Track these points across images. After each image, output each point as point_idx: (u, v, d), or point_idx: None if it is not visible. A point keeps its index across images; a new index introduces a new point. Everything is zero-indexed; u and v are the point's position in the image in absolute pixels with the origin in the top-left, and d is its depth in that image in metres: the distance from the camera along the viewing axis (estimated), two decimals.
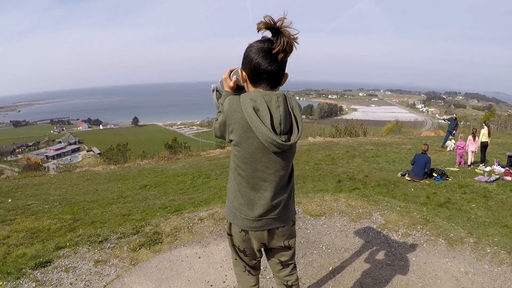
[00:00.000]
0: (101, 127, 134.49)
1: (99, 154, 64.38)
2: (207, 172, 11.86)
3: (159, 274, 3.86)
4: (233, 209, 2.02)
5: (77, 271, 4.02)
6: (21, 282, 3.80)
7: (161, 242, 4.81)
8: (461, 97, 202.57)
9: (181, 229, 5.26)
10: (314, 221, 5.25)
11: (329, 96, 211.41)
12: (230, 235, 2.14)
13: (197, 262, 4.14)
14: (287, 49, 1.73)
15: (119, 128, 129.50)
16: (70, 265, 4.17)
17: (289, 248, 2.16)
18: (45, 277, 3.88)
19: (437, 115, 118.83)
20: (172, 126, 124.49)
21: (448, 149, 13.82)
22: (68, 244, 4.78)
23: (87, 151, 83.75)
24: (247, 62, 1.81)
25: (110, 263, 4.17)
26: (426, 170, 8.45)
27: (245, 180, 1.91)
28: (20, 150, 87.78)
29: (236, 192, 1.98)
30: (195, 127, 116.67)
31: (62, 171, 19.68)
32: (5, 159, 70.42)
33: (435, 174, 8.46)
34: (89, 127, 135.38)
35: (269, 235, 2.04)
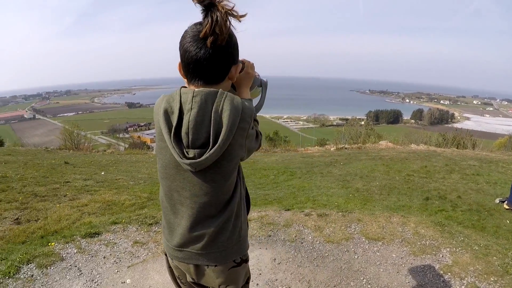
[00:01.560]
0: None
1: None
2: (294, 169, 11.63)
3: None
4: (162, 229, 1.66)
5: (115, 247, 4.27)
6: (67, 246, 4.24)
7: None
8: None
9: None
10: (368, 246, 4.51)
11: (441, 102, 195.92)
12: (165, 254, 1.72)
13: None
14: (217, 30, 1.24)
15: None
16: (113, 240, 4.44)
17: None
18: (87, 246, 4.22)
19: None
20: (278, 119, 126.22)
21: None
22: (123, 220, 5.01)
23: None
24: (179, 51, 1.38)
25: (146, 247, 4.36)
26: None
27: (165, 199, 1.52)
28: (132, 129, 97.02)
29: (162, 211, 1.61)
30: (301, 122, 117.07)
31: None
32: (118, 135, 78.28)
33: None
34: None
35: (196, 272, 1.56)
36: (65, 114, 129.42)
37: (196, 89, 1.32)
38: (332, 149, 18.23)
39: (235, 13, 1.26)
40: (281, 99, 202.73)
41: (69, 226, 4.94)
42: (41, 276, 3.67)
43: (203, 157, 1.28)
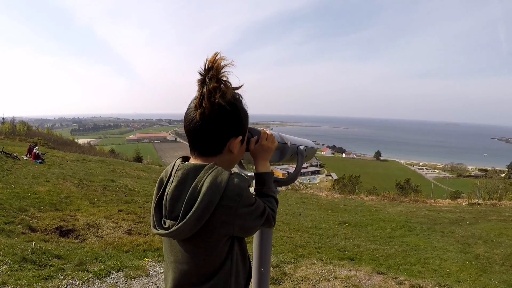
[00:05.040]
0: (343, 155, 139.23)
1: (336, 179, 66.85)
2: (414, 224, 10.90)
3: None
4: None
5: None
6: (157, 265, 4.77)
7: (278, 284, 4.60)
8: None
9: (308, 280, 4.87)
10: None
11: None
12: None
13: None
14: (203, 104, 1.25)
15: (360, 159, 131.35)
16: None
17: None
18: None
19: None
20: (413, 166, 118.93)
21: None
22: None
23: (326, 175, 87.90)
24: None
25: None
26: None
27: (164, 256, 1.48)
28: None
29: None
30: (437, 171, 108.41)
31: (290, 189, 21.33)
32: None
33: None
34: (332, 154, 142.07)
35: None
36: None
37: (182, 163, 1.35)
38: (464, 203, 16.70)
39: (226, 85, 1.27)
40: (417, 145, 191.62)
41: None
42: (123, 285, 4.10)
43: (169, 230, 1.26)
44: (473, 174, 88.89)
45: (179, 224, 1.23)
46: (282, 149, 1.67)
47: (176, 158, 1.41)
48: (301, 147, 1.75)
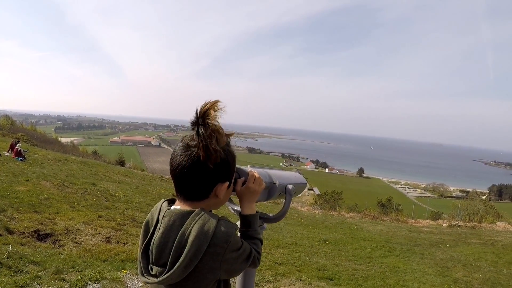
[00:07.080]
0: (326, 170, 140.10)
1: (319, 194, 66.90)
2: (395, 244, 10.89)
3: None
4: None
5: None
6: (136, 277, 4.59)
7: None
8: None
9: None
10: None
11: None
12: None
13: None
14: (210, 150, 1.21)
15: (343, 175, 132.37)
16: None
17: None
18: None
19: None
20: (395, 184, 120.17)
21: None
22: None
23: (308, 189, 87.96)
24: None
25: None
26: None
27: None
28: None
29: None
30: (419, 190, 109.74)
31: (271, 203, 21.26)
32: None
33: None
34: (315, 168, 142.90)
35: None
36: None
37: (168, 208, 1.31)
38: (444, 225, 16.82)
39: (218, 131, 1.23)
40: (400, 164, 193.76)
41: None
42: None
43: (158, 280, 1.23)
44: (454, 195, 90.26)
45: (168, 274, 1.20)
46: (270, 188, 1.66)
47: (162, 201, 1.38)
48: (290, 186, 1.73)
